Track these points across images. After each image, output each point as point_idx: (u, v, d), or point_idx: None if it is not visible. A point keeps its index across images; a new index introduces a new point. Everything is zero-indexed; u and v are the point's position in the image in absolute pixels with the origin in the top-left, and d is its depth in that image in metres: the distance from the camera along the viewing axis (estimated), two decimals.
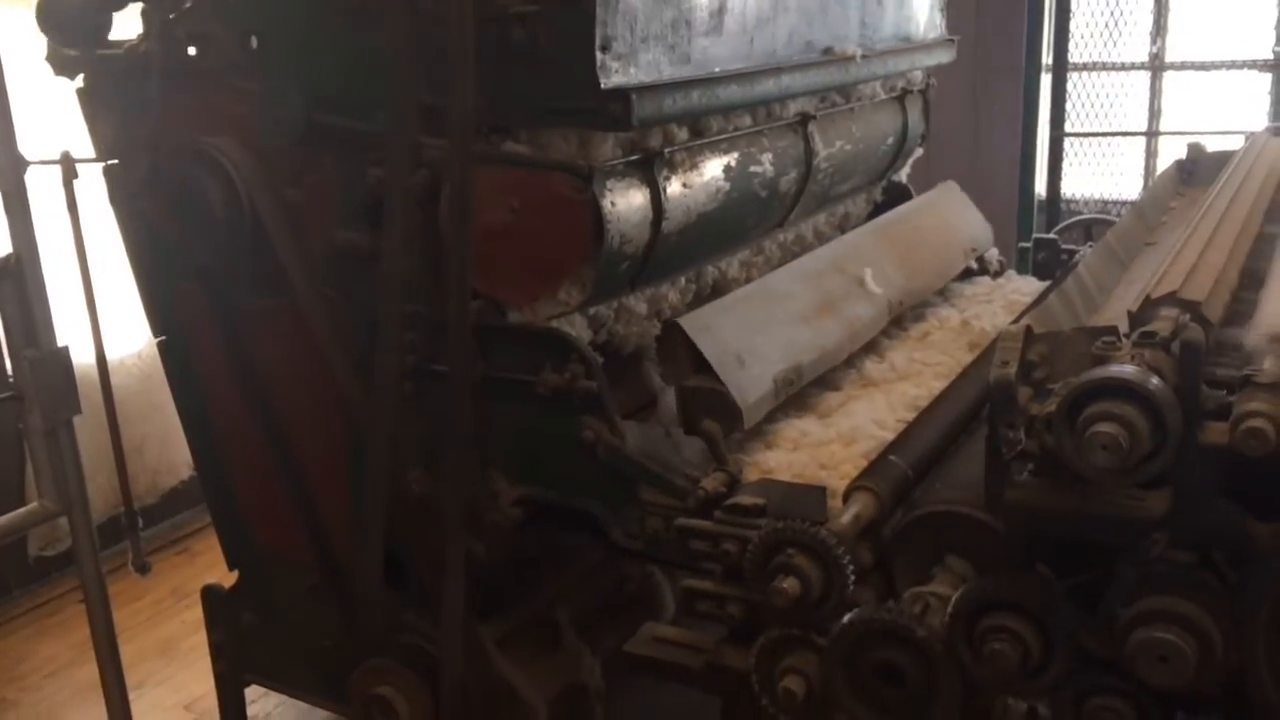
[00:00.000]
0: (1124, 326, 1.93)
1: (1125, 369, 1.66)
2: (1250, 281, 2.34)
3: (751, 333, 2.71)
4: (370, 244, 2.59)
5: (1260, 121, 4.81)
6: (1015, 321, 2.22)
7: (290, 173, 2.69)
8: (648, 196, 2.57)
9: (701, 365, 2.59)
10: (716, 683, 2.34)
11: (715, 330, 2.65)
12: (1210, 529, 1.76)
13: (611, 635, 3.07)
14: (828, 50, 3.20)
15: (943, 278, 3.60)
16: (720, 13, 2.70)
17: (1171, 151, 5.58)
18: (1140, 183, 5.98)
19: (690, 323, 2.62)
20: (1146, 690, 1.81)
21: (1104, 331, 1.86)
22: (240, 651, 3.31)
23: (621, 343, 2.82)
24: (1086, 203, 5.89)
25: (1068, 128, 5.75)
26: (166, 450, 4.76)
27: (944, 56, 3.96)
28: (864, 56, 3.29)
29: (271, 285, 2.76)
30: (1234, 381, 1.74)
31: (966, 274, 3.78)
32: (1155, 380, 1.64)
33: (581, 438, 2.48)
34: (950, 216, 3.84)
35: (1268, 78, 5.63)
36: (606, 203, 2.44)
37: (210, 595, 3.32)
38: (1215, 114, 5.72)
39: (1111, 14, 6.02)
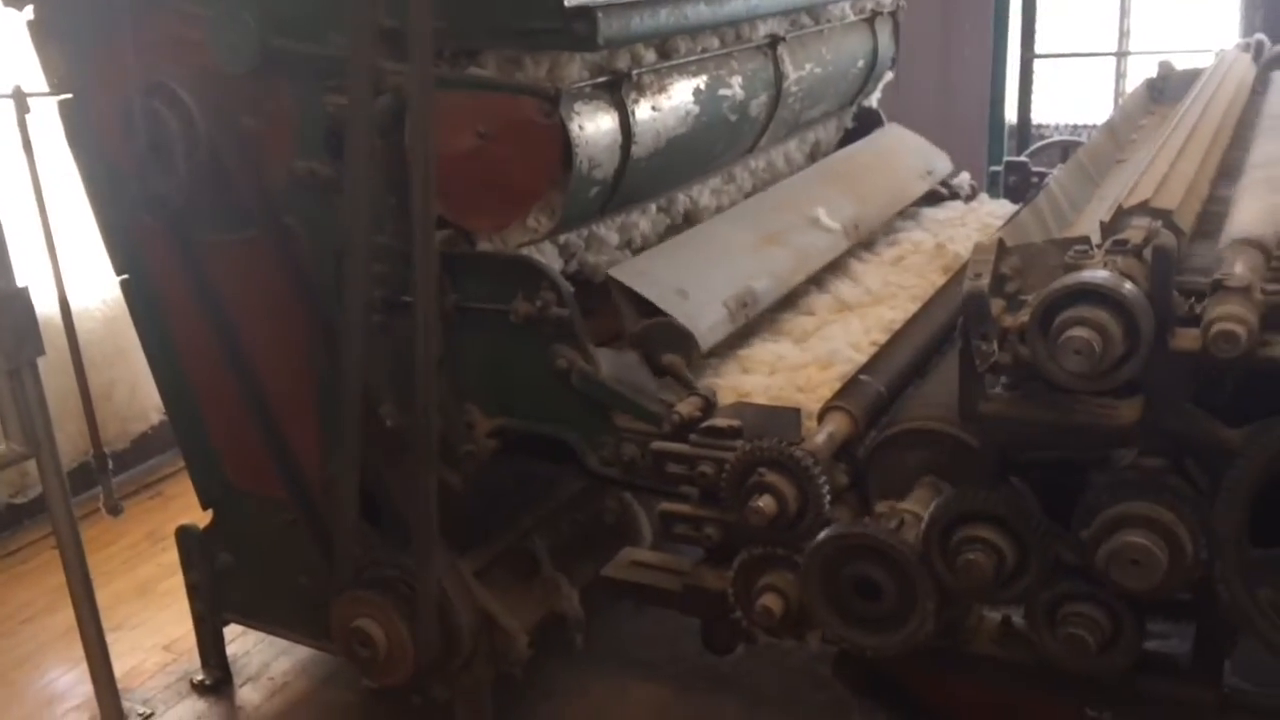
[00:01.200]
0: (1096, 237, 1.92)
1: (1098, 274, 1.65)
2: (1220, 193, 2.34)
3: (689, 271, 2.70)
4: (333, 174, 2.54)
5: (1230, 39, 4.79)
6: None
7: (248, 101, 2.63)
8: (616, 120, 2.53)
9: (646, 311, 2.57)
10: (695, 604, 2.36)
11: (650, 273, 2.63)
12: (1181, 435, 1.77)
13: (590, 564, 3.09)
14: None
15: (900, 200, 3.58)
16: None
17: (1141, 73, 5.56)
18: (1111, 105, 5.95)
19: (622, 271, 2.60)
20: (1119, 595, 1.83)
21: (1076, 241, 1.85)
22: (217, 591, 3.30)
23: (593, 272, 2.79)
24: (1057, 128, 5.86)
25: (1038, 50, 5.69)
26: (135, 396, 4.71)
27: None
28: None
29: (234, 218, 2.71)
30: (1204, 289, 1.74)
31: (938, 198, 3.77)
32: (1128, 285, 1.64)
33: (555, 366, 2.46)
34: (895, 148, 3.83)
35: None
36: (575, 126, 2.40)
37: (185, 536, 3.30)
38: (1184, 33, 5.69)
39: None
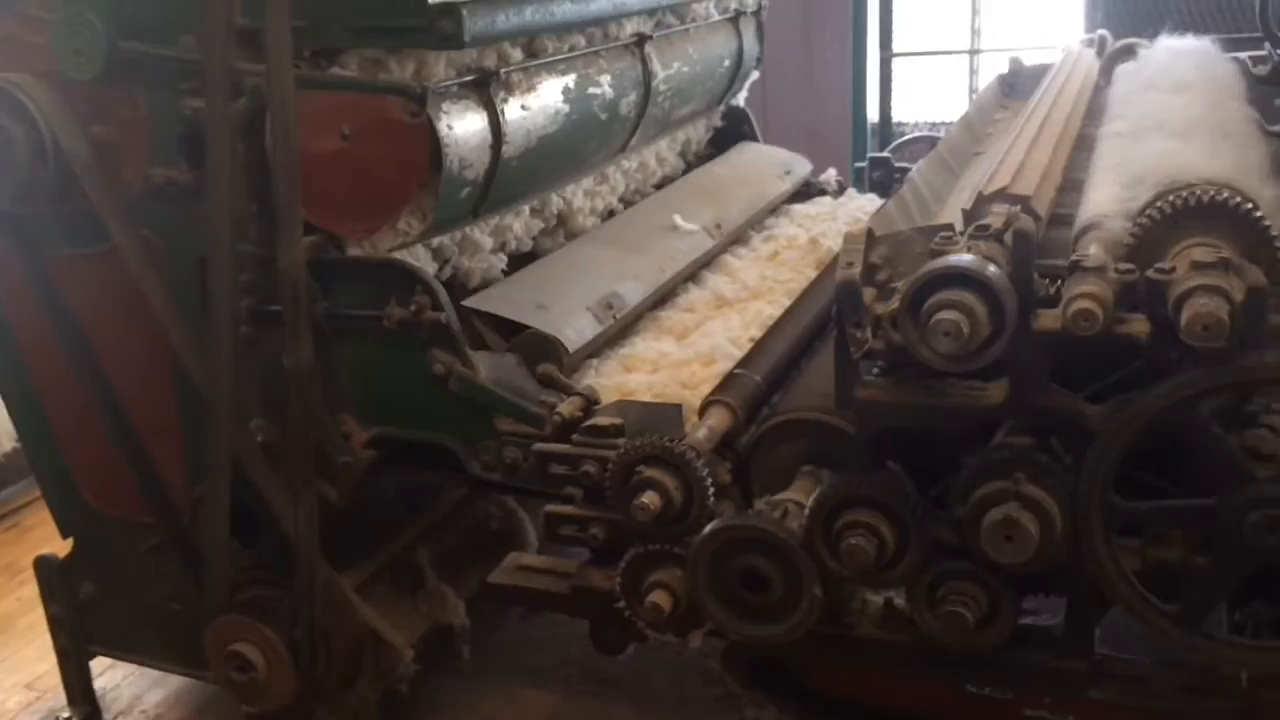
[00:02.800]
0: (959, 224, 1.98)
1: (963, 258, 1.70)
2: (1072, 181, 2.43)
3: (548, 288, 2.70)
4: (192, 181, 2.44)
5: (1074, 36, 5.02)
6: None
7: (98, 108, 2.51)
8: (486, 119, 2.50)
9: (509, 334, 2.56)
10: (583, 606, 2.34)
11: (505, 295, 2.64)
12: (1046, 412, 1.83)
13: (475, 574, 3.05)
14: None
15: (761, 197, 3.64)
16: None
17: (992, 70, 5.77)
18: (965, 102, 6.17)
19: (477, 301, 2.59)
20: (995, 572, 1.89)
21: (941, 229, 1.91)
22: (81, 623, 3.13)
23: (467, 277, 2.76)
24: (916, 125, 6.05)
25: (896, 50, 5.87)
26: None
27: None
28: None
29: (86, 232, 2.58)
30: (1062, 272, 1.81)
31: (807, 195, 3.84)
32: (992, 267, 1.69)
33: (432, 371, 2.42)
34: (748, 156, 3.91)
35: None
36: (443, 125, 2.36)
37: (44, 566, 3.12)
38: (1032, 31, 5.93)
39: None
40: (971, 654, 1.99)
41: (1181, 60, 3.05)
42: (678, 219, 3.17)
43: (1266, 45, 3.50)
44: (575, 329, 2.57)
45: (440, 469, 2.59)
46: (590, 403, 2.38)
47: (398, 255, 2.48)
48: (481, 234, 2.73)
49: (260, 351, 2.50)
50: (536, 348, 2.52)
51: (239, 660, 2.71)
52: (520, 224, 2.88)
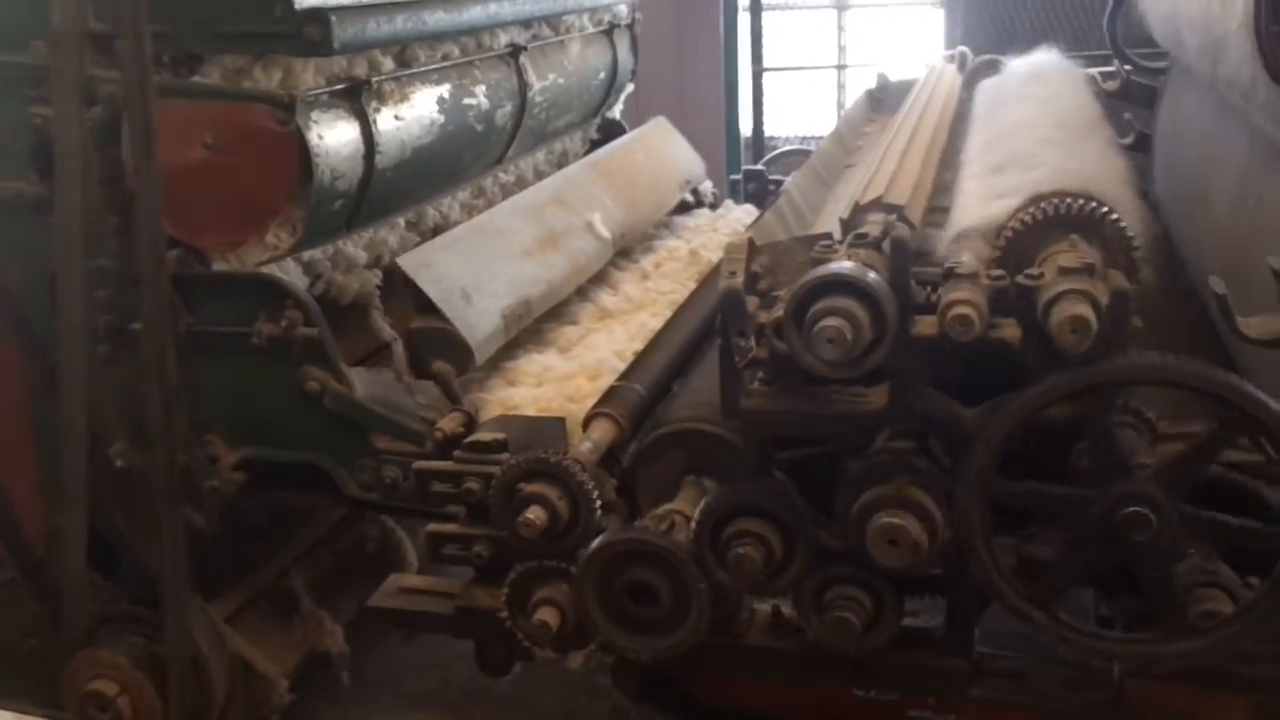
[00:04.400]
0: (838, 233, 2.00)
1: (844, 266, 1.72)
2: (942, 190, 2.50)
3: (475, 268, 2.65)
4: (43, 192, 2.32)
5: (934, 51, 5.19)
6: None
7: None
8: (358, 129, 2.45)
9: (426, 306, 2.50)
10: (468, 626, 2.29)
11: (437, 267, 2.57)
12: (925, 417, 1.86)
13: (353, 598, 2.97)
14: None
15: (660, 210, 3.66)
16: None
17: (856, 86, 5.93)
18: (833, 116, 6.32)
19: (410, 261, 2.53)
20: (880, 575, 1.91)
21: (821, 238, 1.93)
22: None
23: (340, 292, 2.68)
24: (787, 139, 6.17)
25: (766, 65, 5.98)
26: None
27: None
28: None
29: None
30: (938, 278, 1.85)
31: (686, 207, 3.86)
32: (872, 274, 1.71)
33: (305, 389, 2.35)
34: (665, 150, 3.90)
35: (940, 12, 6.08)
36: (313, 135, 2.30)
37: None
38: (895, 47, 6.12)
39: None
40: (857, 658, 2.01)
41: (1039, 76, 3.17)
42: (596, 220, 3.13)
43: (1115, 62, 3.68)
44: (486, 334, 2.52)
45: (315, 490, 2.51)
46: (471, 418, 2.34)
47: (267, 270, 2.40)
48: (355, 247, 2.65)
49: (121, 372, 2.38)
50: (445, 343, 2.47)
51: (99, 699, 2.57)
52: (395, 237, 2.81)
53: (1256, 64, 1.81)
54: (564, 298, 2.91)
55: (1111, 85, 3.62)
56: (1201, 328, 2.40)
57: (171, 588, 2.44)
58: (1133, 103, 3.57)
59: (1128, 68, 3.63)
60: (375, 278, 2.77)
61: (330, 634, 2.85)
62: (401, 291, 2.56)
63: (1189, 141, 2.92)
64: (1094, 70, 3.55)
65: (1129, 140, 3.32)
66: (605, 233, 3.13)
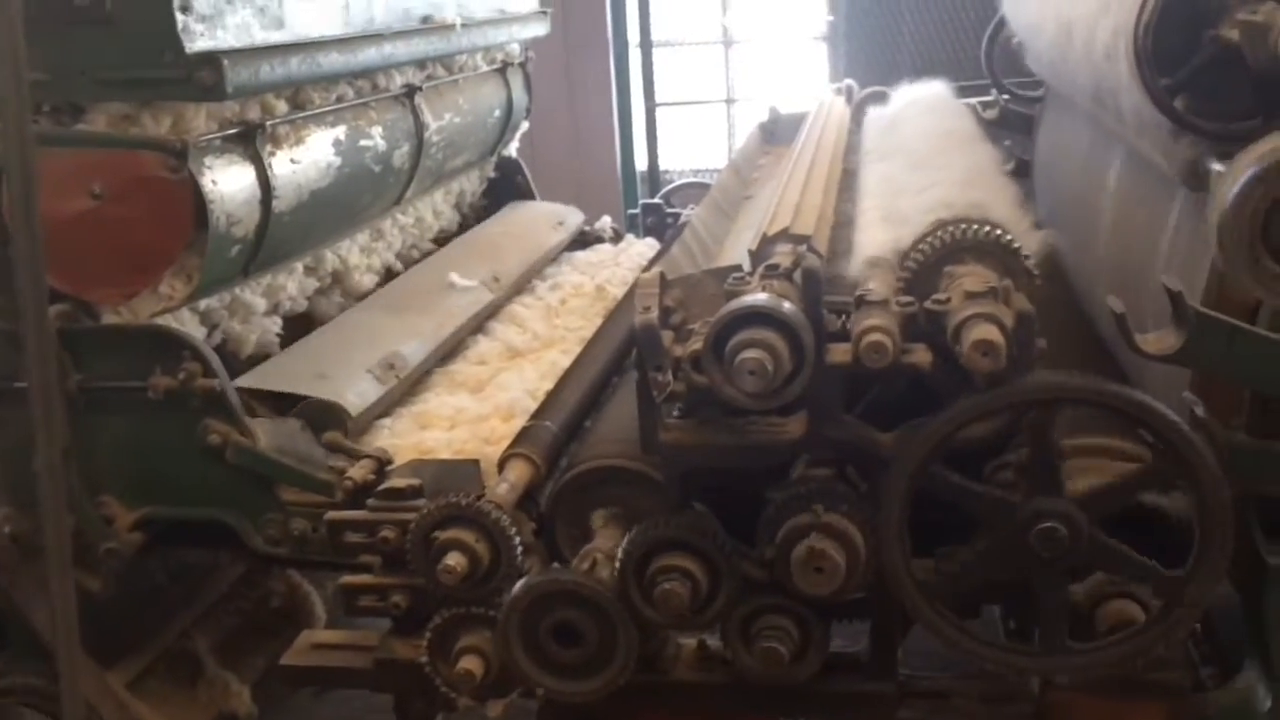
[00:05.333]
0: (747, 264, 2.02)
1: (760, 297, 1.74)
2: (842, 220, 2.55)
3: (325, 357, 2.63)
4: None
5: (821, 84, 5.33)
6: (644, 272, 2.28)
7: None
8: (254, 174, 2.39)
9: (286, 407, 2.46)
10: (388, 679, 2.22)
11: (279, 369, 2.55)
12: (842, 444, 1.88)
13: (259, 656, 2.89)
14: (426, 19, 3.13)
15: (539, 248, 3.66)
16: None
17: (745, 119, 6.03)
18: (723, 150, 6.42)
19: (250, 379, 2.49)
20: (805, 603, 1.92)
21: (732, 270, 1.94)
22: None
23: (238, 342, 2.61)
24: (680, 173, 6.24)
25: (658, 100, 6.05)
26: None
27: (539, 28, 4.02)
28: (463, 26, 3.26)
29: None
30: (849, 306, 1.88)
31: (586, 243, 3.87)
32: (788, 305, 1.73)
33: (206, 442, 2.27)
34: (519, 213, 3.94)
35: (823, 46, 6.25)
36: (207, 181, 2.24)
37: None
38: (781, 81, 6.25)
39: None
40: (786, 687, 2.01)
41: (925, 106, 3.28)
42: (454, 277, 3.13)
43: (993, 91, 3.82)
44: (357, 392, 2.49)
45: (219, 547, 2.43)
46: (383, 464, 2.29)
47: (161, 321, 2.32)
48: (253, 295, 2.58)
49: (5, 433, 2.27)
50: (318, 415, 2.42)
51: None
52: (294, 283, 2.75)
53: (1136, 91, 1.89)
54: (445, 339, 2.89)
55: (991, 114, 3.76)
56: (1092, 344, 2.49)
57: (65, 657, 2.31)
58: (1011, 130, 3.71)
59: (1005, 97, 3.77)
60: (274, 325, 2.70)
61: (237, 696, 2.76)
62: (257, 408, 2.47)
63: (1068, 167, 3.04)
64: (973, 100, 3.69)
65: (1010, 167, 3.45)
66: (468, 282, 3.13)
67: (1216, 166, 1.77)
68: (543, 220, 3.88)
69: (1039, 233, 2.27)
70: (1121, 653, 1.80)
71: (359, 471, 2.22)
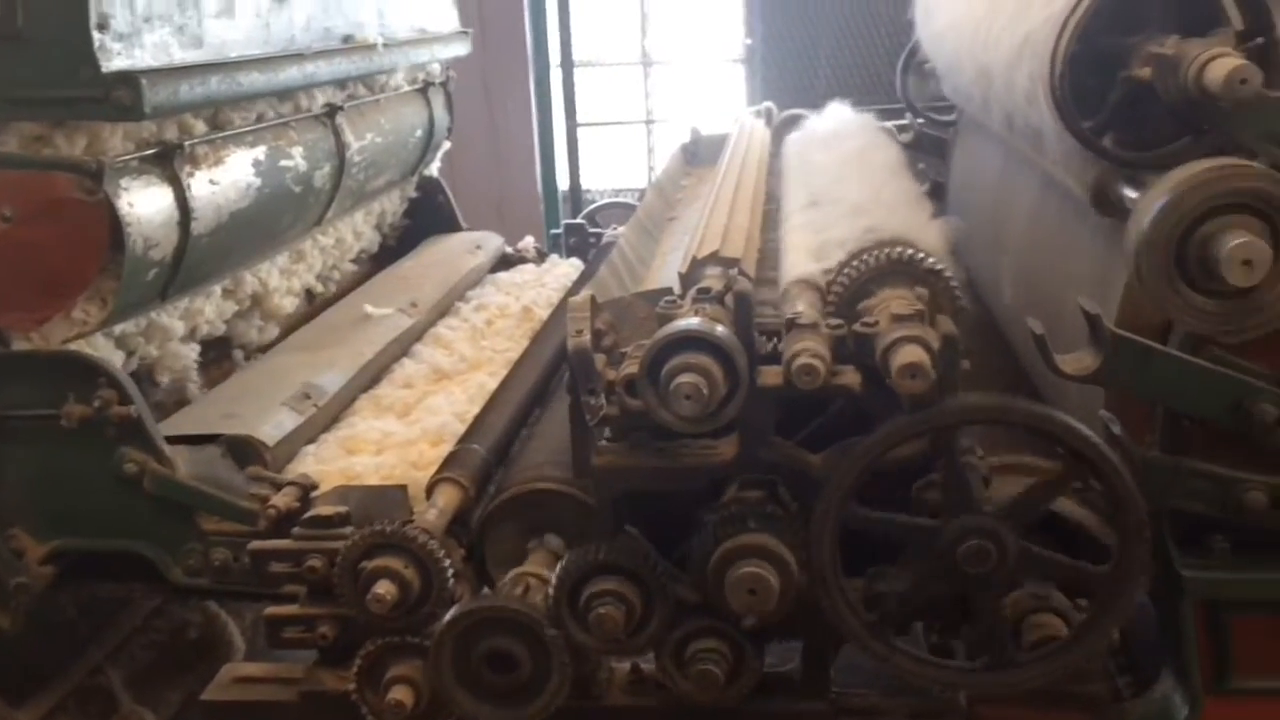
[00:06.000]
0: (677, 287, 2.03)
1: (693, 321, 1.75)
2: (768, 243, 2.58)
3: (236, 398, 2.59)
4: None
5: (739, 106, 5.39)
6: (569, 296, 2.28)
7: None
8: (172, 195, 2.34)
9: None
10: (315, 711, 2.17)
11: (189, 415, 2.52)
12: (773, 465, 1.90)
13: (175, 691, 2.81)
14: (348, 38, 3.10)
15: (456, 271, 3.64)
16: None
17: (665, 140, 6.08)
18: (643, 170, 6.46)
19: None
20: (739, 625, 1.92)
21: (663, 293, 1.95)
22: None
23: (156, 368, 2.54)
24: (602, 192, 6.25)
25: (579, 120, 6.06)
26: None
27: (460, 48, 4.01)
28: (385, 45, 3.23)
29: None
30: (778, 329, 1.90)
31: (510, 263, 3.85)
32: (721, 328, 1.74)
33: (122, 471, 2.21)
34: (434, 247, 3.91)
35: (743, 69, 6.33)
36: (123, 203, 2.18)
37: None
38: (700, 102, 6.32)
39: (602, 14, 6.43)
40: (720, 709, 2.02)
41: (845, 129, 3.33)
42: (368, 307, 3.10)
43: (907, 115, 3.91)
44: (273, 424, 2.44)
45: (136, 580, 2.35)
46: (307, 491, 2.24)
47: (75, 347, 2.24)
48: (170, 319, 2.53)
49: None
50: (235, 452, 2.36)
51: None
52: (212, 307, 2.69)
53: (1049, 116, 1.95)
54: (364, 365, 2.85)
55: (906, 137, 3.84)
56: (1010, 364, 2.56)
57: None
58: (926, 153, 3.81)
59: (920, 120, 3.87)
60: (192, 352, 2.64)
61: None
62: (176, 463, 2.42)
63: (983, 189, 3.13)
64: (889, 124, 3.77)
65: (925, 189, 3.53)
66: (383, 310, 3.10)
67: (1129, 192, 1.84)
68: (459, 247, 3.86)
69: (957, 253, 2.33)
70: (1054, 665, 1.83)
71: (283, 499, 2.18)
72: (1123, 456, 1.78)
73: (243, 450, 2.36)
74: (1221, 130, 1.70)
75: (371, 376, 2.85)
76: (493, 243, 3.97)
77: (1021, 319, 2.07)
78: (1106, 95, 1.85)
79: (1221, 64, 1.60)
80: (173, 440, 2.34)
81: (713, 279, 1.98)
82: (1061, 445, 1.80)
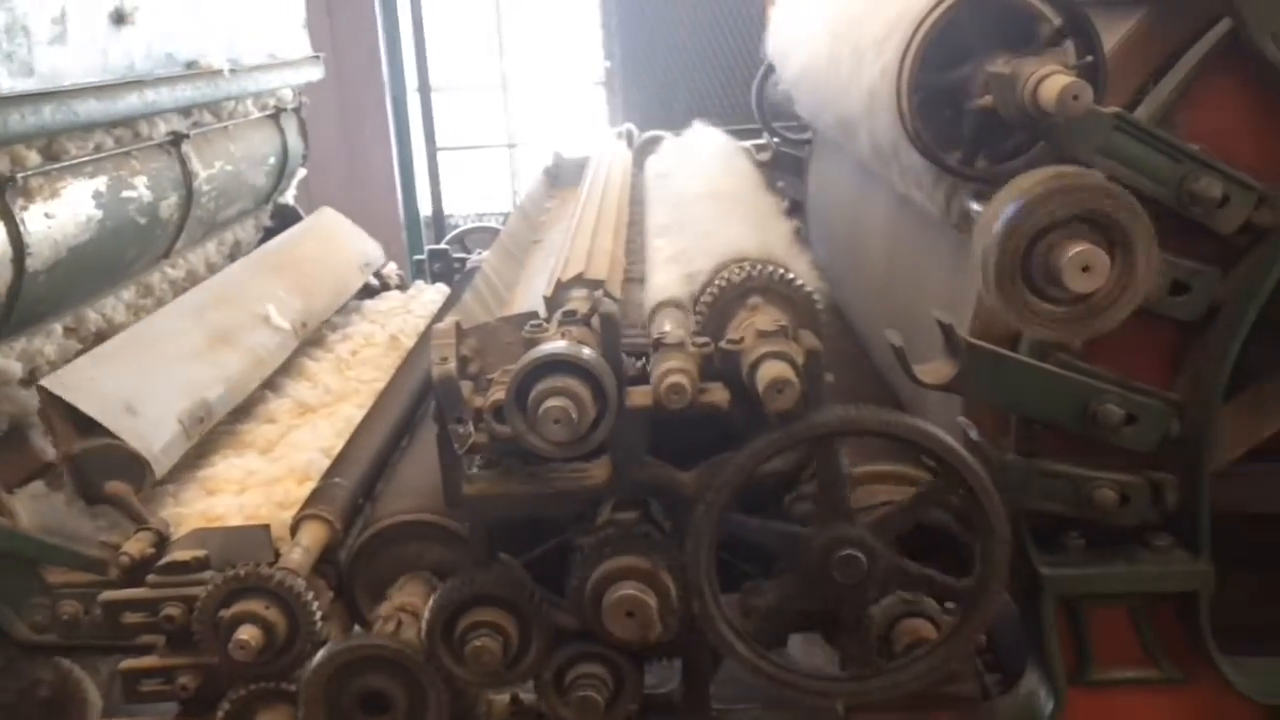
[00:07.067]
0: (543, 311, 2.01)
1: (560, 345, 1.73)
2: (632, 263, 2.58)
3: (136, 379, 2.47)
4: None
5: (601, 127, 5.42)
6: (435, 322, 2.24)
7: None
8: (4, 230, 2.21)
9: (87, 426, 2.28)
10: None
11: (92, 383, 2.38)
12: (645, 486, 1.90)
13: None
14: (191, 64, 2.99)
15: (342, 295, 3.56)
16: (64, 19, 2.39)
17: (527, 163, 6.06)
18: (506, 194, 6.43)
19: (58, 381, 2.32)
20: (618, 649, 1.91)
21: (528, 317, 1.93)
22: None
23: None
24: (465, 217, 6.19)
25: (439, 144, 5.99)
26: None
27: (313, 74, 3.92)
28: (232, 71, 3.13)
29: None
30: (645, 349, 1.90)
31: (372, 291, 3.77)
32: (587, 351, 1.73)
33: None
34: (336, 237, 3.83)
35: (603, 91, 6.36)
36: None
37: None
38: (561, 124, 6.32)
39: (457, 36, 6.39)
40: None
41: (704, 149, 3.37)
42: (272, 312, 2.98)
43: (765, 135, 3.98)
44: (163, 444, 2.34)
45: None
46: (162, 536, 2.14)
47: None
48: (7, 360, 2.38)
49: None
50: (115, 461, 2.26)
51: None
52: (52, 346, 2.55)
53: (896, 133, 2.00)
54: (249, 394, 2.75)
55: (764, 156, 3.92)
56: (869, 374, 2.62)
57: None
58: (783, 172, 3.88)
59: (776, 139, 3.94)
60: (31, 397, 2.49)
61: None
62: (55, 414, 2.29)
63: (837, 206, 3.20)
64: (747, 143, 3.83)
65: (784, 206, 3.59)
66: (283, 323, 3.00)
67: (974, 206, 1.90)
68: (352, 253, 3.76)
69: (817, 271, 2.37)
70: (924, 669, 1.87)
71: (135, 545, 2.08)
72: (981, 461, 1.84)
73: (128, 467, 2.26)
74: (1057, 144, 1.78)
75: (245, 403, 2.75)
76: (376, 260, 3.90)
77: (881, 331, 2.12)
78: (960, 121, 1.90)
79: (1054, 81, 1.66)
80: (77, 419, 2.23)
81: (578, 301, 1.97)
82: (927, 454, 1.85)
